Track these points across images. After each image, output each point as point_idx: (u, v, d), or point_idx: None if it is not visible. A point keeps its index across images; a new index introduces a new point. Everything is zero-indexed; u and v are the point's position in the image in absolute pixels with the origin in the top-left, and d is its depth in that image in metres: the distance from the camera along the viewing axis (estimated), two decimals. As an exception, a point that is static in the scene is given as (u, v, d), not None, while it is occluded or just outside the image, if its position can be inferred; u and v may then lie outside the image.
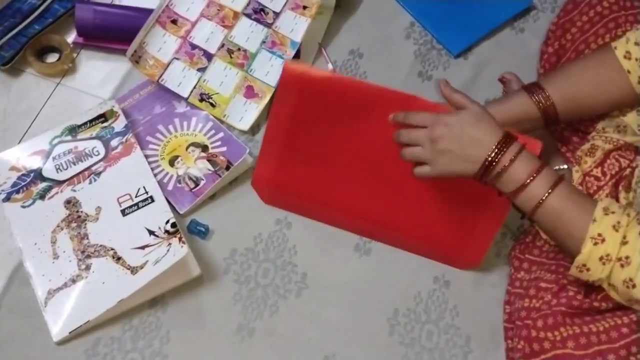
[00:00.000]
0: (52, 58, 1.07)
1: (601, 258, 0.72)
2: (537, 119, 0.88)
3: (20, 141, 0.99)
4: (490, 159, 0.75)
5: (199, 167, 0.98)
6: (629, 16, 0.96)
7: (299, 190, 0.96)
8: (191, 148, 1.00)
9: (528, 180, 0.74)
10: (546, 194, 0.74)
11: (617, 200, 0.87)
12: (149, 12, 1.05)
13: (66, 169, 0.95)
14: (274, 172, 0.95)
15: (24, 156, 0.96)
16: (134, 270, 0.87)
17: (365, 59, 1.15)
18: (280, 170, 0.95)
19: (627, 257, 0.71)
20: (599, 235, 0.72)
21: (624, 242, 0.71)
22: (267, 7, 1.11)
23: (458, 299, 0.95)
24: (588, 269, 0.73)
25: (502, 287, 0.95)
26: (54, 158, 0.96)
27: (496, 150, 0.75)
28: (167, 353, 0.87)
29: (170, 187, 0.97)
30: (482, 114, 0.78)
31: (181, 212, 0.96)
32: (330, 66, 1.13)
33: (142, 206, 0.93)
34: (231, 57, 1.07)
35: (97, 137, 0.98)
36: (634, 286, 0.71)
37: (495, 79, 1.10)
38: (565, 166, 0.98)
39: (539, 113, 0.87)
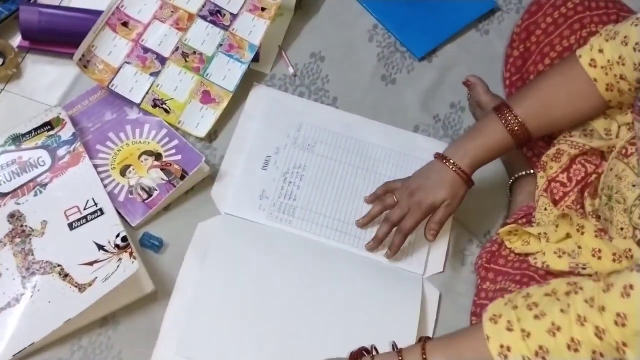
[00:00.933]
0: (-5, 62, 1.02)
1: None
2: (511, 146, 0.86)
3: (-40, 151, 0.93)
4: None
5: (152, 177, 0.94)
6: (594, 17, 0.95)
7: None
8: (144, 157, 0.96)
9: None
10: None
11: (583, 207, 0.85)
12: (98, 14, 1.00)
13: (10, 180, 0.90)
14: None
15: (-37, 168, 0.91)
16: (82, 288, 0.83)
17: (327, 62, 1.12)
18: None
19: (541, 348, 0.64)
20: (502, 346, 0.65)
21: (526, 336, 0.64)
22: (223, 9, 1.06)
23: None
24: None
25: (469, 296, 0.92)
26: (-4, 169, 0.91)
27: None
28: (118, 375, 0.83)
29: (121, 199, 0.92)
30: None
31: (133, 225, 0.91)
32: (291, 70, 1.09)
33: (91, 219, 0.88)
34: (186, 61, 1.03)
35: (43, 147, 0.92)
36: None
37: (460, 81, 1.08)
38: (531, 171, 0.97)
39: (512, 141, 0.86)
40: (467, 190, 0.88)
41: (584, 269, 0.81)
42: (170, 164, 0.95)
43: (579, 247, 0.82)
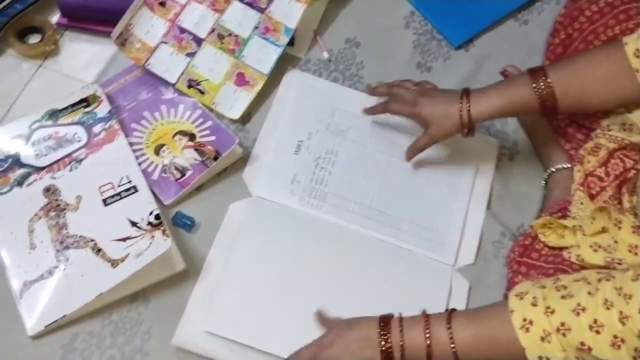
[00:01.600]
0: (34, 39, 1.03)
1: (542, 339, 0.66)
2: (535, 108, 0.84)
3: (-2, 125, 0.95)
4: (384, 347, 0.73)
5: (186, 157, 0.94)
6: (641, 8, 0.92)
7: None
8: (178, 136, 0.96)
9: (428, 340, 0.71)
10: (450, 334, 0.71)
11: (620, 203, 0.84)
12: (136, -7, 1.01)
13: (46, 155, 0.91)
14: None
15: (2, 140, 0.92)
16: (114, 263, 0.83)
17: (362, 48, 1.11)
18: None
19: (562, 324, 0.65)
20: (525, 320, 0.67)
21: (549, 312, 0.66)
22: (260, -9, 1.06)
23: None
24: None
25: (499, 289, 0.91)
26: (33, 143, 0.92)
27: (383, 335, 0.73)
28: (147, 350, 0.84)
29: (155, 177, 0.92)
30: (349, 320, 0.78)
31: (166, 204, 0.92)
32: (325, 55, 1.08)
33: (125, 196, 0.88)
34: (222, 43, 1.02)
35: (79, 123, 0.93)
36: (590, 349, 0.64)
37: (497, 72, 1.06)
38: (568, 165, 0.95)
39: (537, 104, 0.84)
40: (458, 133, 0.88)
41: (619, 264, 0.80)
42: (204, 145, 0.95)
43: (615, 242, 0.81)
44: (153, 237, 0.84)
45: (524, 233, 0.93)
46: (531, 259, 0.88)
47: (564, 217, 0.90)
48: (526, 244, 0.90)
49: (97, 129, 0.93)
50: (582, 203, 0.88)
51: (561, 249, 0.86)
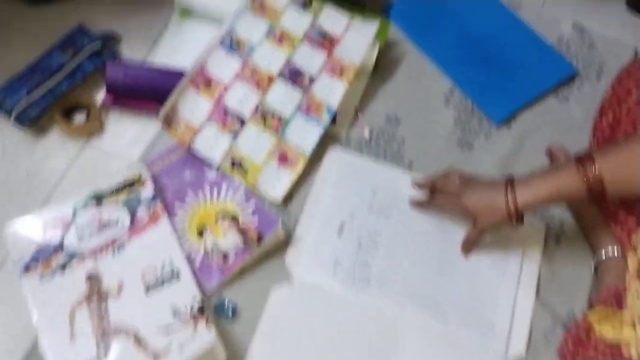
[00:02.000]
0: (80, 115, 1.03)
1: None
2: (583, 196, 0.83)
3: (43, 205, 0.94)
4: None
5: (229, 240, 0.93)
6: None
7: None
8: (220, 218, 0.95)
9: None
10: None
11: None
12: (180, 73, 1.01)
13: (89, 239, 0.90)
14: None
15: (45, 224, 0.91)
16: (156, 355, 0.81)
17: (402, 124, 1.10)
18: None
19: None
20: None
21: None
22: (303, 70, 1.06)
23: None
24: None
25: (552, 383, 0.88)
26: (76, 227, 0.91)
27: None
28: None
29: (197, 262, 0.91)
30: None
31: (208, 292, 0.90)
32: (366, 132, 1.08)
33: (168, 283, 0.87)
34: (265, 122, 1.02)
35: (123, 205, 0.93)
36: None
37: (539, 148, 1.05)
38: (619, 253, 0.92)
39: (584, 191, 0.82)
40: (508, 224, 0.88)
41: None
42: (247, 227, 0.93)
43: (677, 337, 0.77)
44: (196, 328, 0.82)
45: (577, 324, 0.89)
46: (587, 354, 0.85)
47: (618, 304, 0.87)
48: (580, 337, 0.87)
49: (141, 211, 0.92)
50: (638, 292, 0.85)
51: (619, 343, 0.83)
